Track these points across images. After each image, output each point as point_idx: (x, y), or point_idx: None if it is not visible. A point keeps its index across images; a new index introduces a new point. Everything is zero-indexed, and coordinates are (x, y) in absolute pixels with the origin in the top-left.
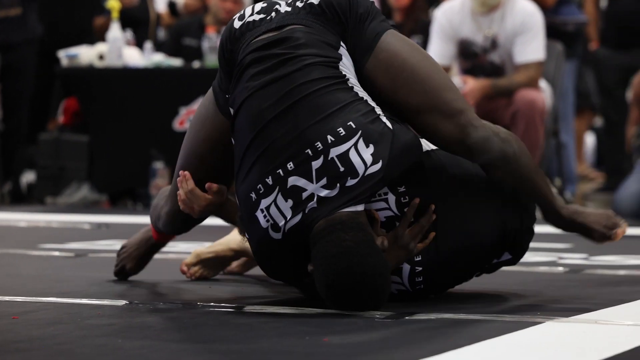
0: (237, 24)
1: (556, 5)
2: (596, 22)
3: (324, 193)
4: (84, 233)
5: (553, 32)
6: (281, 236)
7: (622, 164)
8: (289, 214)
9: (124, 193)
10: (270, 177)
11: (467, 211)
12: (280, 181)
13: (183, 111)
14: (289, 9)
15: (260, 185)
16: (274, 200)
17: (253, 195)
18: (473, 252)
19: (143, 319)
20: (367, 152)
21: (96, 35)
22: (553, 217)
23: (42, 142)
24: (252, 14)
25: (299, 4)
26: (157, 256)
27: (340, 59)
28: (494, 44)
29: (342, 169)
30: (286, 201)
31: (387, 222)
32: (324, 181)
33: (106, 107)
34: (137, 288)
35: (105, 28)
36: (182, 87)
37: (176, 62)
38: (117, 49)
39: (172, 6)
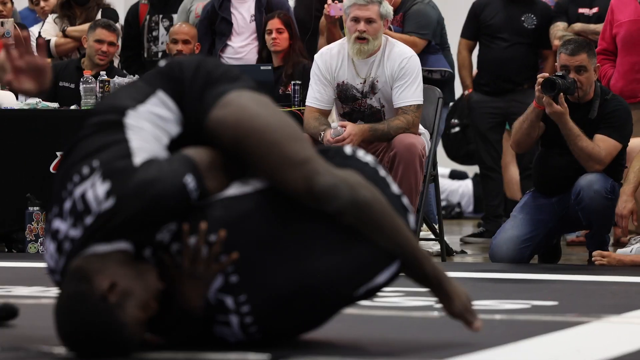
0: None
1: (422, 55)
2: (469, 68)
3: (72, 234)
4: None
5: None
6: (62, 280)
7: (498, 209)
8: (56, 258)
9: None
10: (47, 222)
11: (299, 252)
12: (48, 225)
13: (60, 154)
14: None
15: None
16: (47, 245)
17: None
18: (316, 292)
19: None
20: (102, 189)
21: None
22: (415, 272)
23: None
24: None
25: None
26: (29, 301)
27: (131, 107)
28: (372, 88)
29: (81, 208)
30: (52, 244)
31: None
32: (72, 221)
33: None
34: (6, 332)
35: None
36: (59, 131)
37: (52, 105)
38: None
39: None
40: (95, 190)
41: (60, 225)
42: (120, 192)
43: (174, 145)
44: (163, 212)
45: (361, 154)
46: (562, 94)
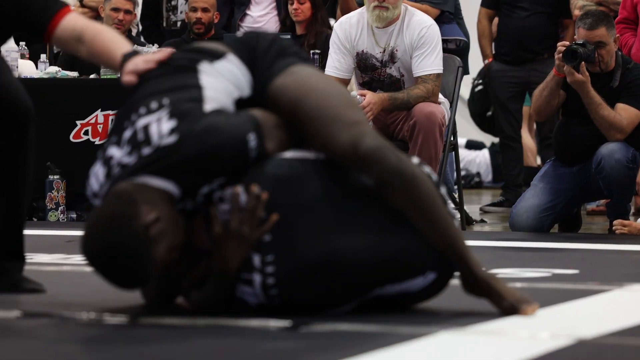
0: None
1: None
2: (490, 37)
3: (126, 160)
4: None
5: None
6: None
7: (518, 178)
8: (102, 182)
9: None
10: (100, 150)
11: (337, 226)
12: (102, 151)
13: (79, 124)
14: None
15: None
16: (96, 170)
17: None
18: (341, 270)
19: (36, 330)
20: (167, 125)
21: None
22: (465, 272)
23: None
24: None
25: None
26: (50, 268)
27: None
28: (392, 57)
29: (142, 138)
30: (102, 169)
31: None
32: (128, 149)
33: None
34: (29, 299)
35: None
36: (79, 100)
37: (72, 74)
38: (12, 61)
39: None
40: (160, 124)
41: (115, 152)
42: (185, 132)
43: (240, 106)
44: (220, 162)
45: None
46: (583, 62)
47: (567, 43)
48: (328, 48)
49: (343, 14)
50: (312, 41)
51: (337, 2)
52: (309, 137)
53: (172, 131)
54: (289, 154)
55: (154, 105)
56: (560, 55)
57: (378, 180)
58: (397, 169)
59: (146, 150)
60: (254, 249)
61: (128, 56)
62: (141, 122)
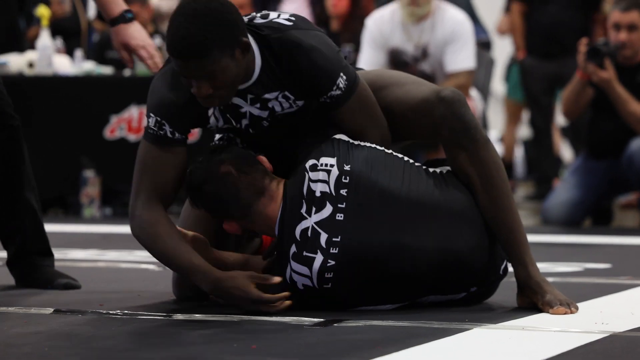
0: None
1: None
2: (522, 31)
3: None
4: None
5: None
6: None
7: (550, 171)
8: None
9: (55, 201)
10: None
11: (408, 222)
12: None
13: (114, 119)
14: None
15: None
16: None
17: None
18: (399, 270)
19: (70, 327)
20: None
21: (28, 44)
22: (520, 268)
23: None
24: None
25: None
26: (85, 264)
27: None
28: (424, 53)
29: None
30: None
31: (320, 198)
32: None
33: (36, 115)
34: (63, 296)
35: (36, 37)
36: (113, 95)
37: (107, 70)
38: (47, 57)
39: (101, 14)
40: None
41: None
42: None
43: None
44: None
45: None
46: (607, 58)
47: (588, 43)
48: (359, 43)
49: (364, 8)
50: (348, 37)
51: None
52: (393, 108)
53: None
54: (381, 146)
55: None
56: (584, 55)
57: (452, 132)
58: (474, 121)
59: None
60: (325, 226)
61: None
62: None
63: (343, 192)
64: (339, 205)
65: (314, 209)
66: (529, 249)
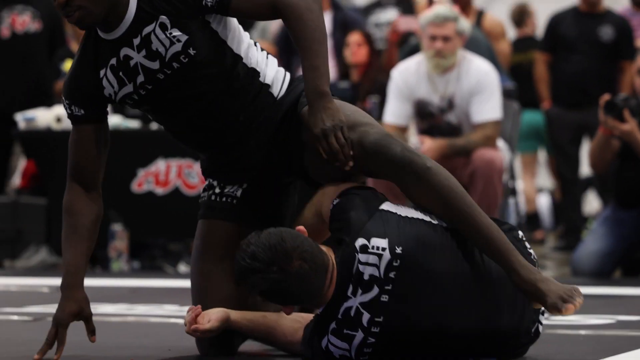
0: None
1: None
2: (547, 81)
3: None
4: (42, 296)
5: None
6: None
7: (578, 222)
8: None
9: None
10: None
11: (451, 301)
12: None
13: (141, 173)
14: None
15: None
16: None
17: None
18: (439, 346)
19: None
20: None
21: (56, 99)
22: (511, 274)
23: None
24: None
25: None
26: (115, 319)
27: None
28: (450, 104)
29: None
30: None
31: (368, 282)
32: None
33: (64, 169)
34: (97, 351)
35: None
36: (140, 149)
37: (134, 123)
38: None
39: None
40: None
41: None
42: None
43: None
44: None
45: None
46: (626, 110)
47: (607, 98)
48: (384, 95)
49: (386, 63)
50: (368, 88)
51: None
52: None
53: None
54: (429, 217)
55: None
56: (602, 110)
57: (390, 177)
58: (405, 157)
59: None
60: (368, 307)
61: None
62: None
63: (392, 274)
64: (386, 287)
65: (360, 290)
66: (513, 251)
